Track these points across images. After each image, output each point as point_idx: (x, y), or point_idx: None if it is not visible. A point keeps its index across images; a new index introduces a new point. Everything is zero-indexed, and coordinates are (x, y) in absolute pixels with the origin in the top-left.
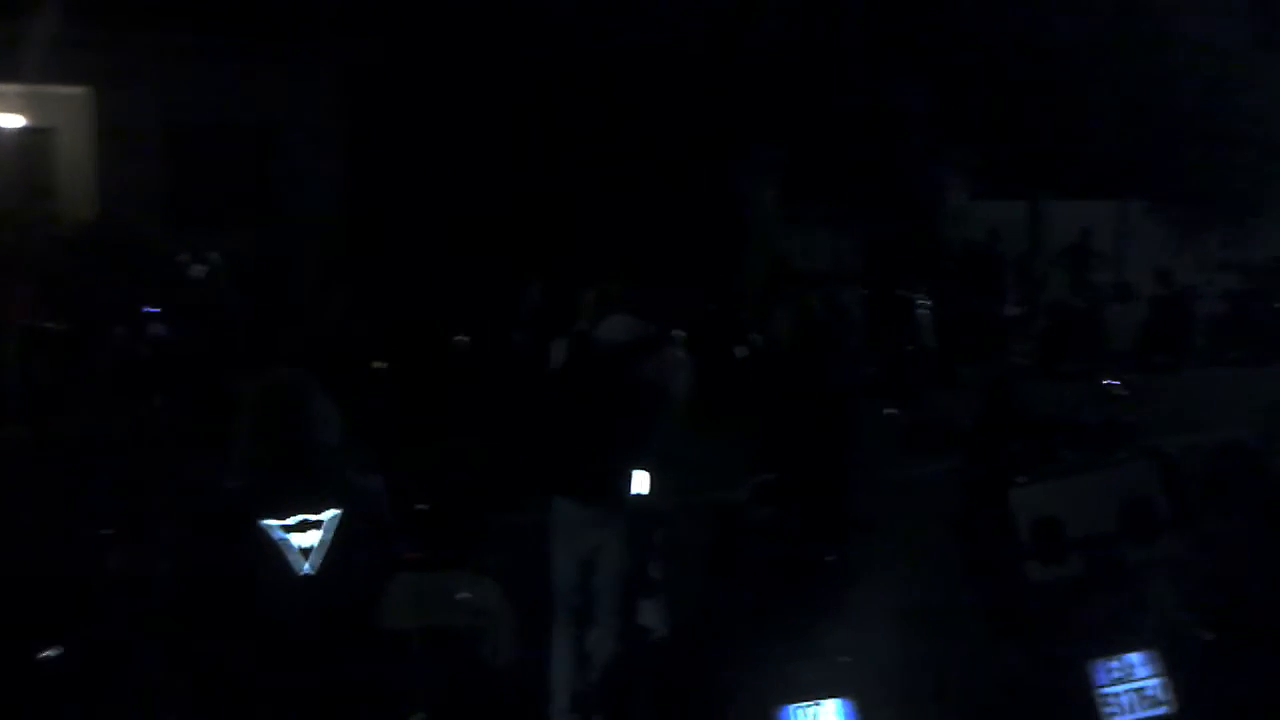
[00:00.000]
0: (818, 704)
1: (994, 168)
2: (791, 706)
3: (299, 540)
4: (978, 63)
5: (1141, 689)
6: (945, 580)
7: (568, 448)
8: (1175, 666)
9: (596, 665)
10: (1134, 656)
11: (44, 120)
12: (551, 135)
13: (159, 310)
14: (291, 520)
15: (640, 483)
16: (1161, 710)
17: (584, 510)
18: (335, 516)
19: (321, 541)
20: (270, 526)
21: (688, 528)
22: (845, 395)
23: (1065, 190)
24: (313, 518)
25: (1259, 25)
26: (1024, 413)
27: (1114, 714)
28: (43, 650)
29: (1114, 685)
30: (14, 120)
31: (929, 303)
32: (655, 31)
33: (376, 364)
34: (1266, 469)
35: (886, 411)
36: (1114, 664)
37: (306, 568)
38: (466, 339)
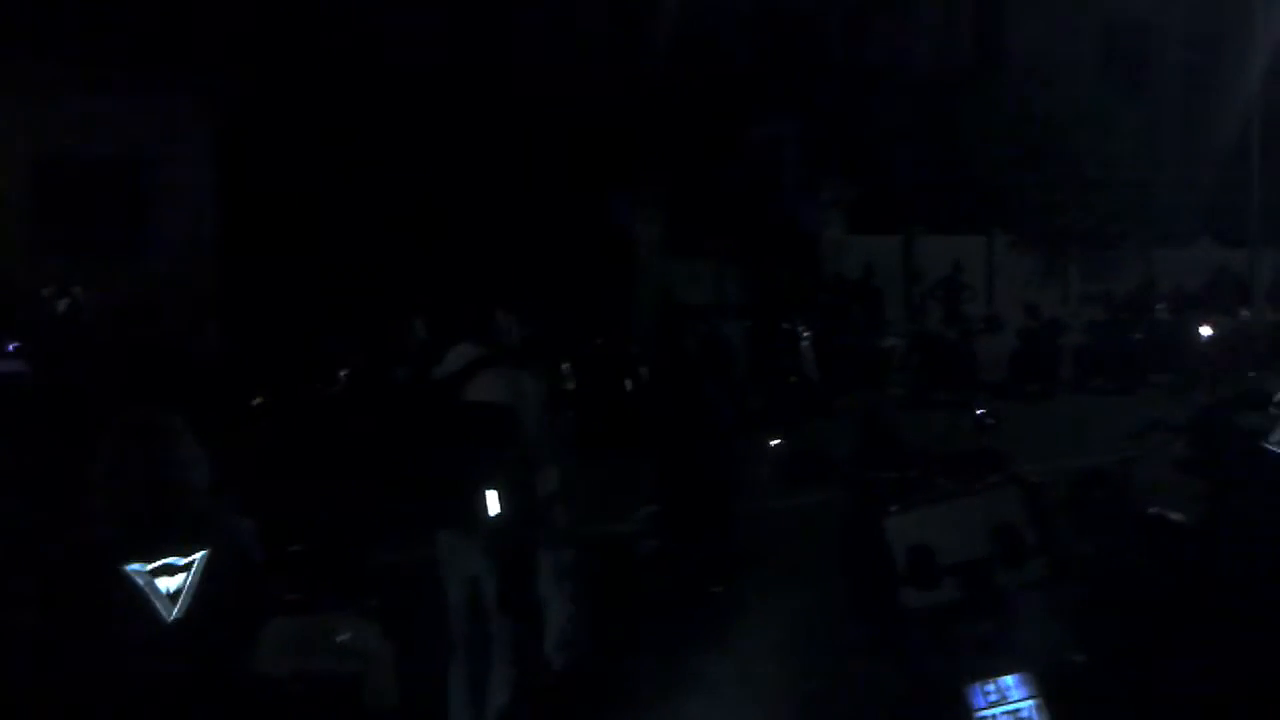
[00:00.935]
0: None
1: (869, 204)
2: None
3: (164, 584)
4: (852, 104)
5: (1016, 711)
6: (827, 609)
7: (422, 476)
8: (1048, 688)
9: (485, 698)
10: (1008, 679)
11: None
12: (435, 168)
13: (19, 345)
14: (156, 564)
15: (494, 501)
16: None
17: (451, 538)
18: (202, 558)
19: (188, 585)
20: (134, 571)
21: (577, 559)
22: (729, 427)
23: (936, 225)
24: (179, 561)
25: (1114, 73)
26: (898, 442)
27: None
28: None
29: (990, 708)
30: None
31: (810, 334)
32: (537, 71)
33: (256, 400)
34: (1127, 493)
35: (770, 443)
36: (989, 687)
37: (173, 613)
38: (345, 373)
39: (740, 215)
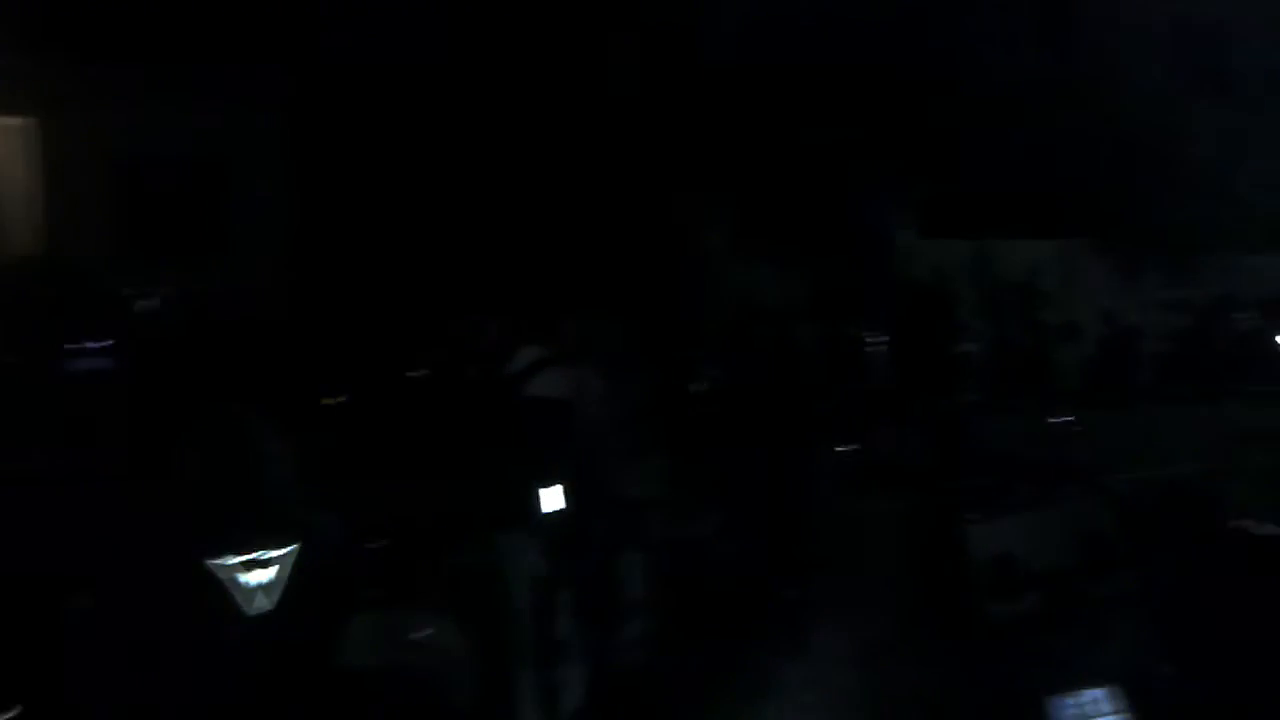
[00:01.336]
0: None
1: (942, 207)
2: None
3: (251, 579)
4: (926, 104)
5: None
6: (905, 618)
7: (483, 474)
8: (1135, 702)
9: (556, 699)
10: (1094, 692)
11: None
12: (509, 171)
13: (106, 343)
14: (242, 558)
15: (555, 498)
16: None
17: (512, 537)
18: (288, 554)
19: (274, 580)
20: (219, 565)
21: (650, 561)
22: (800, 431)
23: (1011, 229)
24: (265, 555)
25: (1197, 70)
26: (976, 449)
27: None
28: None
29: None
30: None
31: (881, 340)
32: (606, 73)
33: (328, 399)
34: (1213, 503)
35: (841, 448)
36: (1074, 700)
37: (259, 607)
38: (423, 373)
39: (810, 217)
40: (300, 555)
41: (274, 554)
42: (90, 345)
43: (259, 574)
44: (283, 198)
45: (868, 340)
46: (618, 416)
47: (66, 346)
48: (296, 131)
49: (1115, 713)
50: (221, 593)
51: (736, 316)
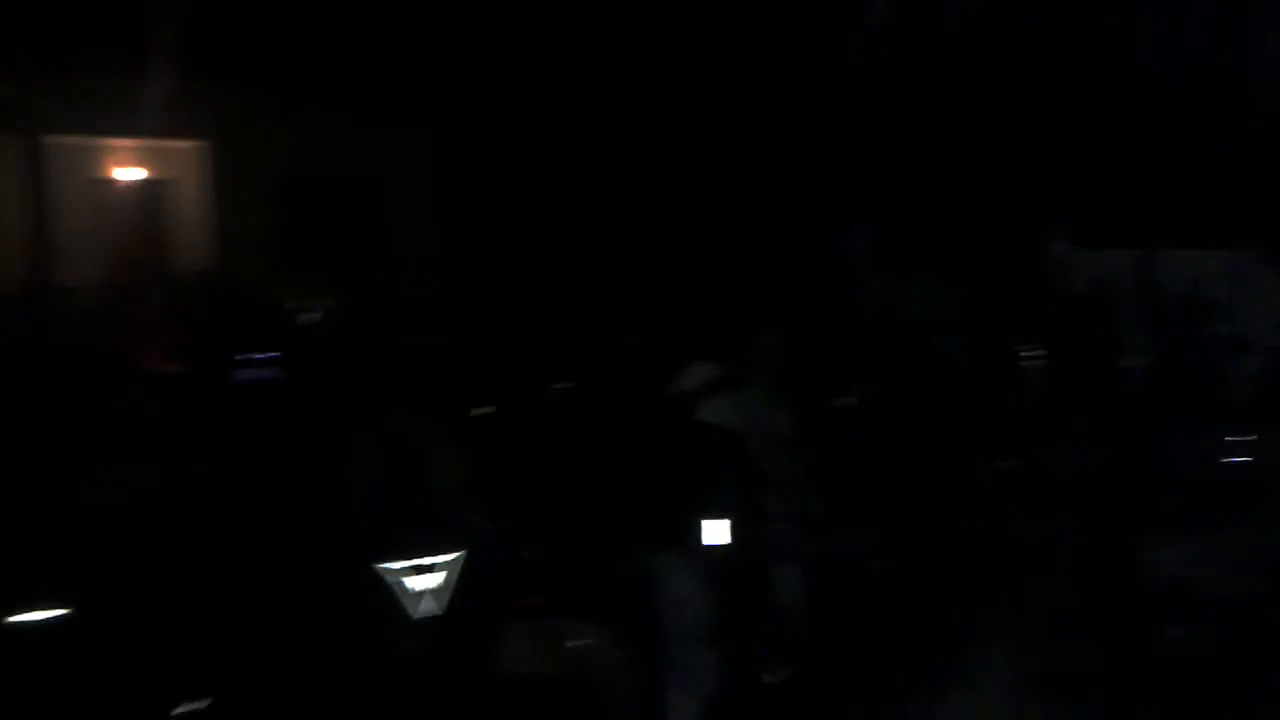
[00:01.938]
0: None
1: (1100, 216)
2: None
3: (419, 584)
4: (1084, 109)
5: None
6: (1072, 642)
7: (649, 496)
8: None
9: (712, 715)
10: None
11: (163, 172)
12: (653, 185)
13: (274, 355)
14: (411, 564)
15: (718, 531)
16: None
17: (669, 560)
18: (451, 560)
19: (442, 585)
20: (386, 569)
21: (803, 579)
22: (954, 448)
23: (1174, 239)
24: (433, 561)
25: None
26: (1147, 470)
27: None
28: (182, 706)
29: None
30: (135, 173)
31: (1037, 354)
32: (747, 86)
33: (490, 410)
34: None
35: (999, 465)
36: None
37: (425, 611)
38: (570, 385)
39: (960, 227)
40: (464, 562)
41: (440, 560)
42: (258, 357)
43: (425, 579)
44: (436, 214)
45: (1024, 354)
46: (780, 433)
47: (237, 358)
48: (453, 147)
49: None
50: (390, 597)
51: (893, 330)
